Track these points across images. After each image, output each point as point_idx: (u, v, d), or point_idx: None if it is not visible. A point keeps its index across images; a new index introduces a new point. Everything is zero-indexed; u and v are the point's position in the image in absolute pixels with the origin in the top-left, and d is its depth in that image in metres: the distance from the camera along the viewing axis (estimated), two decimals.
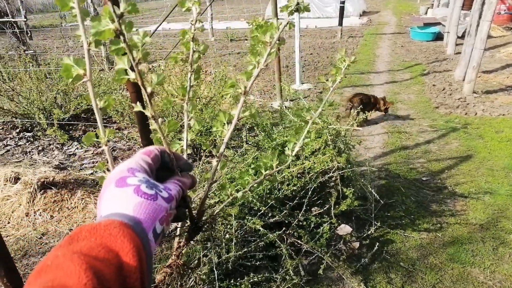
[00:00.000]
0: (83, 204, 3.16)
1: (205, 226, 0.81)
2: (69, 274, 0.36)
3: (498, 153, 3.82)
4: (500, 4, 10.39)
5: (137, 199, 0.47)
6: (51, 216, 3.04)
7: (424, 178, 3.44)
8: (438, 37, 9.60)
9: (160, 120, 0.65)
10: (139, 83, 0.57)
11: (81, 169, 3.80)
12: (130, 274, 0.41)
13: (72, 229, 2.90)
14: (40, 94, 4.53)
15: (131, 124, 4.21)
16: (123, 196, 0.47)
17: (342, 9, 9.71)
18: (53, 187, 3.18)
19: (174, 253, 0.90)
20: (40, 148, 4.31)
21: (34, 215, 3.01)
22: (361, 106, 4.32)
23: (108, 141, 0.68)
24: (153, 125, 0.65)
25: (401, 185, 3.29)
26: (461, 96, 5.44)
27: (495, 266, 2.42)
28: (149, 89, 0.59)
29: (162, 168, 0.60)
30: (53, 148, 4.30)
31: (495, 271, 2.38)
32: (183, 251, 0.88)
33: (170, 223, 0.54)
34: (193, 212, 0.75)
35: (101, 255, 0.40)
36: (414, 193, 3.19)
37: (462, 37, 7.95)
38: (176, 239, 0.90)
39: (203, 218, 0.79)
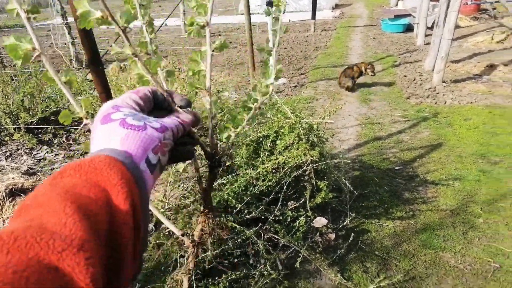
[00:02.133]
0: None
1: (224, 158, 0.77)
2: (49, 212, 0.33)
3: (467, 140, 3.95)
4: None
5: (124, 131, 0.45)
6: None
7: (396, 168, 3.51)
8: (409, 28, 9.79)
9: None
10: (109, 18, 0.53)
11: (52, 174, 3.70)
12: (119, 209, 0.38)
13: None
14: (6, 97, 4.37)
15: None
16: (108, 131, 0.45)
17: (314, 3, 9.76)
18: (22, 194, 3.09)
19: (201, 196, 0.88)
20: (7, 153, 4.17)
21: (3, 224, 2.92)
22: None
23: (88, 112, 0.65)
24: (135, 68, 0.62)
25: (375, 175, 3.36)
26: (431, 86, 5.58)
27: (465, 250, 2.50)
28: (121, 24, 0.56)
29: (158, 109, 0.57)
30: (21, 153, 4.16)
31: (465, 255, 2.47)
32: (212, 193, 0.85)
33: (167, 153, 0.49)
34: (207, 148, 0.72)
35: (85, 191, 0.36)
36: (388, 183, 3.26)
37: (432, 28, 8.14)
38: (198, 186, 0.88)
39: (219, 152, 0.76)
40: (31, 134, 4.34)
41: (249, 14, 5.04)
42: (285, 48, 8.80)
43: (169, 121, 0.51)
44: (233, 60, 7.90)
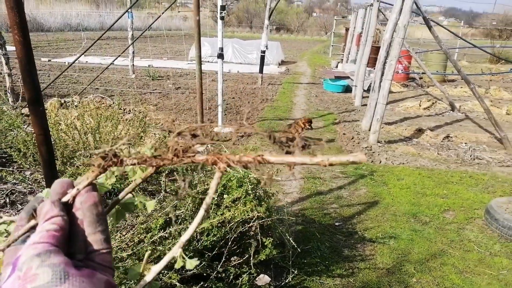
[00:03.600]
0: None
1: None
2: None
3: (400, 199, 4.20)
4: (398, 64, 11.88)
5: None
6: None
7: (337, 223, 3.61)
8: (347, 89, 10.56)
9: None
10: None
11: None
12: None
13: None
14: None
15: (35, 166, 3.83)
16: None
17: (262, 58, 10.25)
18: None
19: None
20: None
21: None
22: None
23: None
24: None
25: (317, 230, 3.42)
26: (368, 145, 5.96)
27: None
28: None
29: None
30: None
31: None
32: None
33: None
34: None
35: None
36: (329, 238, 3.33)
37: (368, 90, 8.84)
38: None
39: None
40: None
41: (200, 63, 5.15)
42: (233, 98, 9.02)
43: (26, 244, 0.41)
44: (181, 105, 7.90)
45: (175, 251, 0.51)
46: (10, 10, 2.03)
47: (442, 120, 7.85)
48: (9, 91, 6.68)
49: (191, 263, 0.54)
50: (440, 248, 3.32)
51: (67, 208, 0.47)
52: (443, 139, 6.46)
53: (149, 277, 0.51)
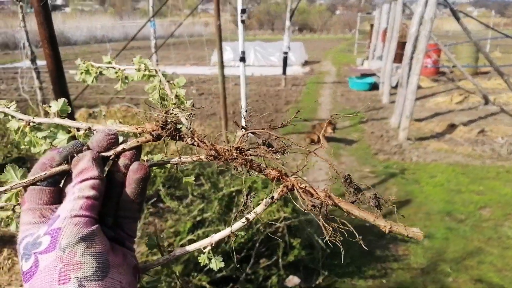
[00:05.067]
0: (9, 264, 2.84)
1: None
2: None
3: (433, 197, 4.06)
4: (427, 58, 11.54)
5: None
6: None
7: (367, 224, 3.52)
8: (374, 87, 10.35)
9: None
10: None
11: (8, 224, 3.44)
12: None
13: None
14: None
15: None
16: None
17: (285, 59, 10.22)
18: None
19: None
20: None
21: None
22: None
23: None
24: None
25: (347, 231, 3.34)
26: (397, 142, 5.81)
27: None
28: None
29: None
30: None
31: None
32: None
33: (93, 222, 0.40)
34: None
35: None
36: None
37: (396, 87, 8.63)
38: None
39: None
40: None
41: (222, 68, 5.19)
42: (256, 100, 9.02)
43: (65, 210, 0.40)
44: (205, 110, 7.98)
45: (206, 242, 0.50)
46: (40, 25, 2.11)
47: (476, 114, 7.54)
48: (41, 104, 6.96)
49: (217, 264, 0.53)
50: (477, 246, 3.17)
51: (104, 162, 0.45)
52: (477, 134, 6.19)
53: (177, 251, 0.49)
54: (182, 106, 0.49)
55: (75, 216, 0.39)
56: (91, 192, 0.41)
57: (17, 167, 0.49)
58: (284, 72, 10.59)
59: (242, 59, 5.90)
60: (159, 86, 0.69)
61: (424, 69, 11.18)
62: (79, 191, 0.41)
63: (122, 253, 0.42)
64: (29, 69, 7.15)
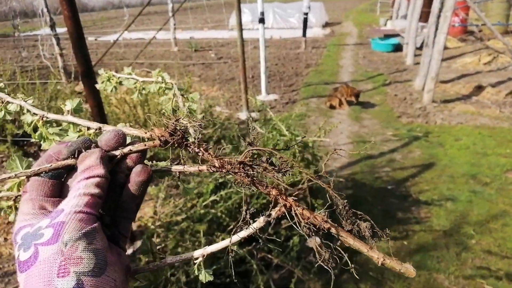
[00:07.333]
0: None
1: None
2: None
3: (458, 160, 3.97)
4: (454, 16, 10.97)
5: (22, 278, 0.37)
6: (4, 238, 2.84)
7: (389, 187, 3.50)
8: (398, 48, 9.98)
9: None
10: None
11: (8, 214, 3.59)
12: None
13: None
14: None
15: None
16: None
17: (305, 21, 9.90)
18: None
19: None
20: None
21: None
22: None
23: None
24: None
25: (368, 194, 3.34)
26: (422, 105, 5.65)
27: (459, 272, 2.48)
28: None
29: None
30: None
31: (459, 276, 2.45)
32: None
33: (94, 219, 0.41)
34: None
35: None
36: (380, 202, 3.24)
37: (421, 48, 8.29)
38: None
39: None
40: (16, 146, 4.22)
41: (241, 30, 5.06)
42: (276, 64, 8.86)
43: (70, 205, 0.40)
44: (224, 75, 7.91)
45: (198, 253, 0.50)
46: None
47: (505, 75, 7.21)
48: (62, 70, 7.03)
49: (206, 277, 0.52)
50: (502, 209, 3.13)
51: (110, 161, 0.46)
52: (506, 96, 5.95)
53: (169, 259, 0.51)
54: (192, 118, 0.49)
55: (80, 212, 0.39)
56: (96, 190, 0.42)
57: (23, 157, 0.50)
58: (304, 34, 10.30)
59: (261, 20, 5.75)
60: (173, 98, 0.72)
61: (452, 28, 10.65)
62: (85, 188, 0.41)
63: (117, 252, 0.43)
64: (48, 35, 7.18)
